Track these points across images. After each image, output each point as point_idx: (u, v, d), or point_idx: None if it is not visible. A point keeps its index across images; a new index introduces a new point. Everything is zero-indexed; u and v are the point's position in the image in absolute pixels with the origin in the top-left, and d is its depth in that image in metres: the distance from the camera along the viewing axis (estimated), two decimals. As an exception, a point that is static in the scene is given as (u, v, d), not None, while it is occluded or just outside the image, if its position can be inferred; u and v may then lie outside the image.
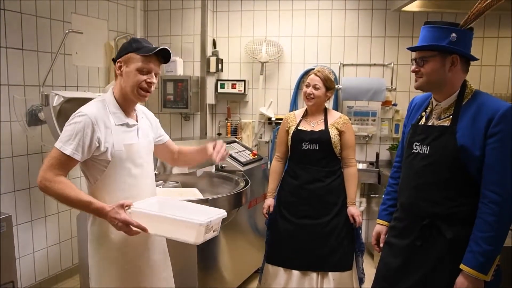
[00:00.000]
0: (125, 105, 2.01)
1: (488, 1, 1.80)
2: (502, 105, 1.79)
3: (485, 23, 4.35)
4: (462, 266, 1.80)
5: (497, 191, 1.76)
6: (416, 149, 1.99)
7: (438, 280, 1.90)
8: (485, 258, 1.75)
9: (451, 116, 1.90)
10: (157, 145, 2.25)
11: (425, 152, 1.94)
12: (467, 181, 1.85)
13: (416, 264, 1.96)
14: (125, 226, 1.80)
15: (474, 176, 1.83)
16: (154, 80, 1.96)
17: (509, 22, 4.34)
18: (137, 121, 2.06)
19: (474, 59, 1.93)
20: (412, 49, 1.97)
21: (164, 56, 1.98)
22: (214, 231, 1.89)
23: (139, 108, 2.16)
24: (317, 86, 2.92)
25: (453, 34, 1.84)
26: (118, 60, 1.96)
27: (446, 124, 1.90)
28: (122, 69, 1.95)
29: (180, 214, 1.84)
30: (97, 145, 1.87)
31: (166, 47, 1.95)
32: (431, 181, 1.92)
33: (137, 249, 2.02)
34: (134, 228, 1.81)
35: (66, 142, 1.82)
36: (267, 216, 3.12)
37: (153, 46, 1.96)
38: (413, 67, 1.96)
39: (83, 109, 1.90)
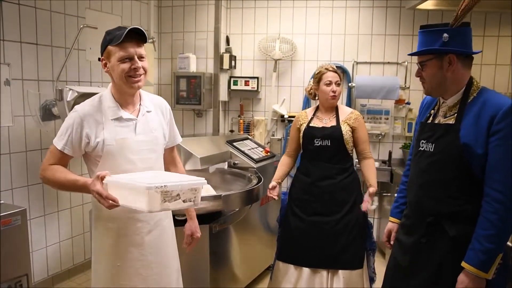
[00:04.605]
0: (122, 98, 1.98)
1: None
2: (505, 102, 1.77)
3: (500, 21, 4.28)
4: (463, 264, 1.79)
5: (500, 189, 1.74)
6: (422, 147, 1.99)
7: (443, 278, 1.89)
8: (486, 256, 1.74)
9: (456, 114, 1.89)
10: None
11: (430, 150, 1.94)
12: (471, 179, 1.83)
13: (422, 262, 1.96)
14: (101, 198, 1.72)
15: (478, 175, 1.81)
16: (139, 64, 1.89)
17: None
18: (138, 116, 2.00)
19: (471, 53, 1.91)
20: (411, 55, 2.01)
21: (139, 35, 1.88)
22: (185, 201, 1.63)
23: (153, 101, 2.11)
24: (338, 82, 2.96)
25: (445, 35, 1.84)
26: (102, 58, 1.94)
27: (451, 122, 1.90)
28: (107, 65, 1.93)
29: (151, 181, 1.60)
30: (87, 140, 1.90)
31: (137, 26, 1.86)
32: (435, 179, 1.92)
33: (130, 243, 1.99)
34: (107, 200, 1.71)
35: (59, 137, 1.93)
36: (271, 195, 2.97)
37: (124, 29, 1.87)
38: (416, 72, 1.99)
39: (77, 106, 1.97)
